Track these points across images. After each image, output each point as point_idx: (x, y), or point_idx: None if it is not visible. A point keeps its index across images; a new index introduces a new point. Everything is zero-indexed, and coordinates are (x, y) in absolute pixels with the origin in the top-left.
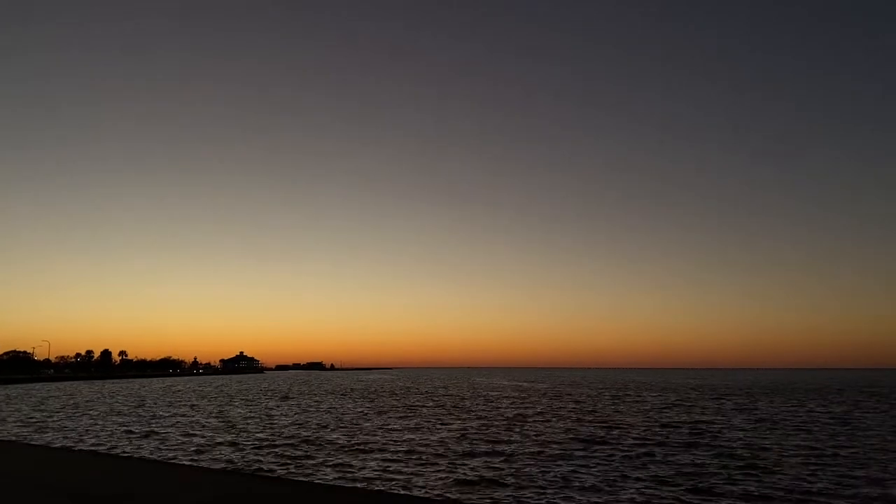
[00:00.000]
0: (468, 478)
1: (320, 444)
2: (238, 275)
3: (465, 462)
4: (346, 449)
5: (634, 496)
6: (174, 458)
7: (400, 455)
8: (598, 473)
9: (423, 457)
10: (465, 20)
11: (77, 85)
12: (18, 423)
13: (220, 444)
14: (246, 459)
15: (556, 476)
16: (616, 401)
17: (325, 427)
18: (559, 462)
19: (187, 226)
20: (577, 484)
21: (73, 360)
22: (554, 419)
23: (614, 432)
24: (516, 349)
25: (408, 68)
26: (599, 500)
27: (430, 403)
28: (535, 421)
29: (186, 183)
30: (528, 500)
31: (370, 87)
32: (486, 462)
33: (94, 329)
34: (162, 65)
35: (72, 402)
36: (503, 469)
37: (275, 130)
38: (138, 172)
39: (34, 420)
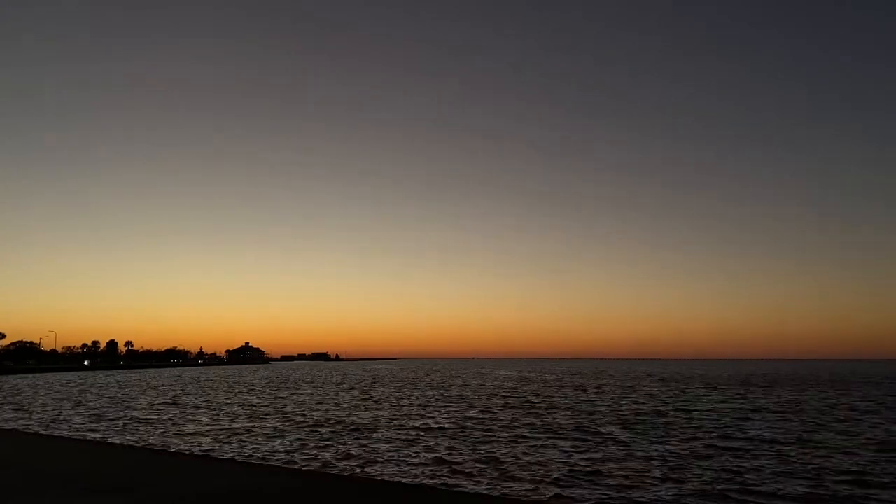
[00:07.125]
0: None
1: None
2: (242, 266)
3: None
4: None
5: None
6: None
7: None
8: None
9: None
10: (478, 10)
11: (79, 76)
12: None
13: None
14: None
15: None
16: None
17: None
18: None
19: (193, 216)
20: None
21: (80, 350)
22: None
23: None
24: (519, 340)
25: (423, 60)
26: None
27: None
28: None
29: (192, 173)
30: None
31: (376, 78)
32: None
33: (99, 320)
34: (165, 54)
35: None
36: None
37: (280, 123)
38: (143, 163)
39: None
